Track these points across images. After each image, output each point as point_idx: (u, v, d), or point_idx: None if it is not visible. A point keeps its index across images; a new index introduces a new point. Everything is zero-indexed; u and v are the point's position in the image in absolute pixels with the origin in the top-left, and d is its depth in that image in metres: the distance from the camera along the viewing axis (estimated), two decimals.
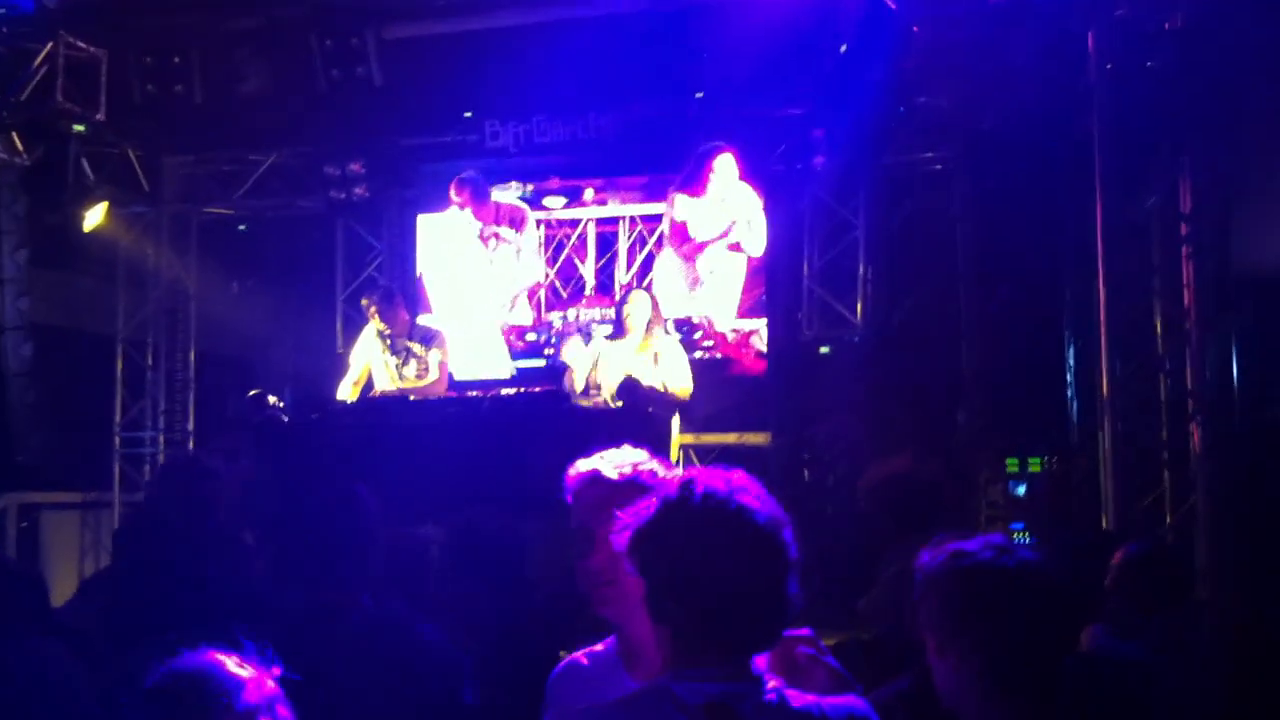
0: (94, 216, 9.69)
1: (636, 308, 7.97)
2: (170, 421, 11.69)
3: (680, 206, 10.19)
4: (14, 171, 9.53)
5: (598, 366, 7.95)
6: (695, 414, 8.59)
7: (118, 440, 11.50)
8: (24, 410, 9.00)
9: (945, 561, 2.28)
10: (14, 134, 9.92)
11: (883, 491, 4.52)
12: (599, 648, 2.53)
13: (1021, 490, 8.25)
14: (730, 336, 9.90)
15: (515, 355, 10.41)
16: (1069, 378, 7.65)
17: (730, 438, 8.75)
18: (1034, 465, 8.12)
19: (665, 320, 8.27)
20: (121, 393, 11.57)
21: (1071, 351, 7.69)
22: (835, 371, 9.67)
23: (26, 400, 9.04)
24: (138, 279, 11.64)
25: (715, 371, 9.72)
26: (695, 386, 8.06)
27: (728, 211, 10.03)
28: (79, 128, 9.52)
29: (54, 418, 9.80)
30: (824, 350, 9.75)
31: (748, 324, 9.91)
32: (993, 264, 8.32)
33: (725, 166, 10.05)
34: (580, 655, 2.54)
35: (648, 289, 8.18)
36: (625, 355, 7.88)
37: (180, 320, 11.82)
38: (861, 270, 10.19)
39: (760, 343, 9.86)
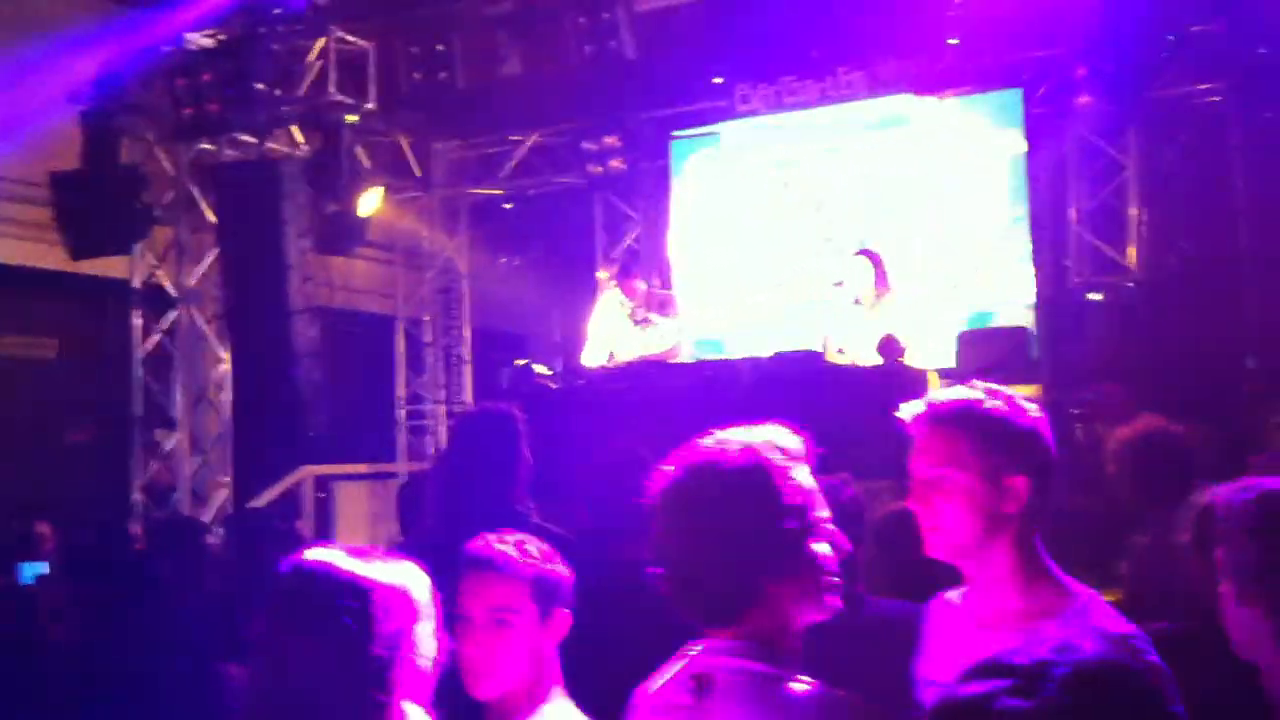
0: (370, 202, 10.18)
1: (855, 274, 7.71)
2: (449, 395, 12.24)
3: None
4: (295, 163, 10.10)
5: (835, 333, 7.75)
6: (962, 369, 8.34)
7: (402, 414, 12.12)
8: (313, 388, 9.54)
9: (1255, 499, 2.11)
10: (293, 128, 10.56)
11: (1130, 454, 4.16)
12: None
13: None
14: (992, 286, 9.58)
15: None
16: None
17: None
18: None
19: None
20: (403, 369, 12.19)
21: None
22: (1107, 320, 9.23)
23: (314, 378, 9.58)
24: (413, 261, 12.21)
25: (979, 322, 9.44)
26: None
27: (980, 161, 9.72)
28: (352, 118, 10.05)
29: (340, 394, 10.34)
30: (1094, 297, 9.32)
31: (1011, 272, 9.58)
32: (1278, 198, 7.77)
33: (974, 117, 9.74)
34: None
35: (869, 254, 7.84)
36: (859, 319, 7.67)
37: (454, 298, 12.35)
38: (1134, 212, 9.73)
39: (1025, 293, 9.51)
